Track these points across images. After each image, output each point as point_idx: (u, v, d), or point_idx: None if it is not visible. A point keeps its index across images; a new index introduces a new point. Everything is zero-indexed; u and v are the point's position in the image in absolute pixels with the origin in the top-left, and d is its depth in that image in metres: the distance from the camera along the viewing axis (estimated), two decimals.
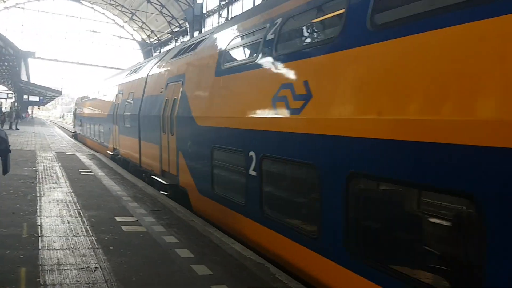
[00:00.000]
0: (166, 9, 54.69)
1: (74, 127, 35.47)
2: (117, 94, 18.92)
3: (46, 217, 7.78)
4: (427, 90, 4.07)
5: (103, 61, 71.09)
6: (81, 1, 69.46)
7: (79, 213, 8.27)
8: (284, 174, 6.72)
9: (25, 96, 60.59)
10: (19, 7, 66.48)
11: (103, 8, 70.04)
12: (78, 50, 70.72)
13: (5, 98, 58.16)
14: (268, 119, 6.46)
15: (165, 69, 12.86)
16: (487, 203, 3.38)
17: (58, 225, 7.30)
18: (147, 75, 14.72)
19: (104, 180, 12.71)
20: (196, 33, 45.57)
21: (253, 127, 6.91)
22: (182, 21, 52.29)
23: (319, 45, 5.85)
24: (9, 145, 6.72)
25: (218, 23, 40.14)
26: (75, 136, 33.27)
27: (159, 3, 54.27)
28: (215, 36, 10.11)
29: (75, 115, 35.02)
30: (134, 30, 71.77)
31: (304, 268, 5.77)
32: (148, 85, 14.09)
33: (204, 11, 46.91)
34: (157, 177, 12.12)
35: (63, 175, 12.95)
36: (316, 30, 6.52)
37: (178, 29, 55.16)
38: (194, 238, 7.20)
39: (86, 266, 5.48)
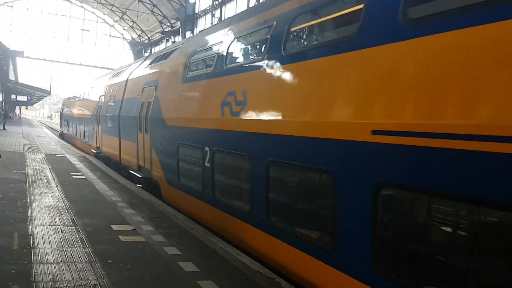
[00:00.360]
0: (158, 8, 54.10)
1: (61, 127, 36.60)
2: (100, 96, 19.82)
3: (38, 225, 7.30)
4: (304, 100, 5.93)
5: (93, 60, 70.32)
6: (70, 0, 68.60)
7: (73, 221, 7.80)
8: (228, 164, 8.30)
9: (13, 96, 59.37)
10: (7, 6, 65.42)
11: (93, 7, 69.23)
12: (67, 50, 69.85)
13: None
14: (218, 120, 7.94)
15: (142, 74, 14.05)
16: (337, 176, 5.03)
17: (52, 235, 6.82)
18: (127, 79, 15.79)
19: (97, 184, 12.21)
20: (188, 33, 45.06)
21: (208, 127, 8.48)
22: (174, 21, 51.72)
23: (253, 63, 7.31)
24: None
25: (211, 23, 39.70)
26: (61, 135, 33.62)
27: (150, 3, 53.68)
28: (183, 47, 11.63)
29: (61, 116, 36.15)
30: (124, 29, 71.05)
31: (242, 238, 7.32)
32: (128, 88, 15.25)
33: (196, 11, 46.43)
34: (134, 171, 13.37)
35: (54, 179, 12.43)
36: (251, 51, 8.17)
37: (170, 28, 54.60)
38: (197, 249, 6.77)
39: (84, 282, 5.03)
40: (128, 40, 71.50)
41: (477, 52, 3.72)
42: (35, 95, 63.72)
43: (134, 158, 13.42)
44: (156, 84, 11.85)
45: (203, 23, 45.00)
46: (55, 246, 6.27)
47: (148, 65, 14.03)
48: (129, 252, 6.34)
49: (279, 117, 6.27)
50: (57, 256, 5.86)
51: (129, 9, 57.16)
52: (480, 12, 3.73)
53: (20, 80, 50.67)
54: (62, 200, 9.57)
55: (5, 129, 34.47)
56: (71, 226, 7.47)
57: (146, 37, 64.37)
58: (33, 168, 14.18)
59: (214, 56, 8.72)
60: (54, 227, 7.30)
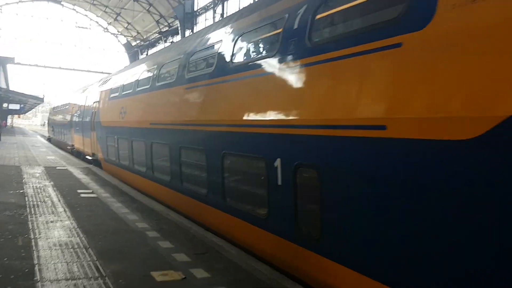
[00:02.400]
0: (154, 7, 51.75)
1: (48, 132, 44.30)
2: (72, 107, 26.26)
3: (51, 281, 5.11)
4: (137, 112, 12.73)
5: (87, 65, 67.87)
6: (62, 3, 66.11)
7: (97, 269, 5.61)
8: (122, 144, 14.13)
9: (5, 105, 56.92)
10: None
11: (86, 10, 66.68)
12: (60, 55, 67.33)
13: None
14: (118, 121, 14.32)
15: (94, 92, 20.01)
16: (147, 142, 11.23)
17: None
18: (86, 95, 21.84)
19: (112, 205, 10.04)
20: (188, 32, 42.83)
21: (116, 125, 14.72)
22: (172, 20, 49.40)
23: (128, 93, 13.65)
24: None
25: (214, 19, 37.48)
26: (49, 140, 39.61)
27: (146, 2, 51.30)
28: (111, 77, 18.43)
29: (48, 123, 44.21)
30: (119, 31, 68.57)
31: (128, 181, 13.72)
32: (87, 101, 21.21)
33: (195, 8, 44.15)
34: (89, 156, 20.14)
35: (59, 200, 10.25)
36: (129, 87, 13.73)
37: (168, 28, 52.27)
38: None
39: None
40: (123, 43, 69.05)
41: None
42: (27, 103, 61.23)
43: (90, 149, 19.99)
44: (99, 100, 18.05)
45: (203, 20, 42.72)
46: None
47: (98, 86, 20.06)
48: None
49: (134, 119, 12.56)
50: None
51: (124, 9, 54.71)
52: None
53: (12, 88, 48.24)
54: (76, 233, 7.38)
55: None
56: (97, 278, 5.28)
57: (142, 39, 61.96)
58: (33, 187, 11.96)
59: (120, 86, 14.99)
60: (73, 282, 5.11)
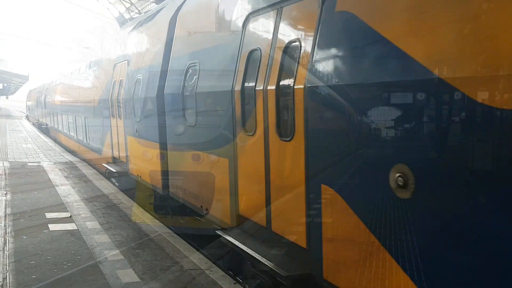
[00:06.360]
0: None
1: (26, 111, 51.39)
2: (38, 91, 32.10)
3: None
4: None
5: (79, 42, 62.00)
6: None
7: None
8: (55, 114, 21.32)
9: None
10: None
11: None
12: (49, 31, 61.42)
13: None
14: (52, 101, 22.62)
15: (48, 80, 28.41)
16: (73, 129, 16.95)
17: None
18: (44, 82, 29.62)
19: (104, 259, 5.13)
20: None
21: (52, 104, 22.77)
22: None
23: (56, 84, 22.39)
24: None
25: None
26: (27, 117, 45.96)
27: None
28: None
29: (27, 105, 50.38)
30: (110, 3, 62.63)
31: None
32: (44, 86, 27.72)
33: None
34: (36, 122, 32.09)
35: (5, 243, 5.33)
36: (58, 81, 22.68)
37: None
38: None
39: None
40: (116, 16, 63.23)
41: None
42: (12, 81, 55.91)
43: (41, 119, 28.84)
44: (47, 87, 25.52)
45: None
46: None
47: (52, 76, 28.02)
48: None
49: (57, 99, 20.84)
50: None
51: None
52: None
53: None
54: None
55: None
56: None
57: (137, 11, 56.17)
58: None
59: (54, 79, 24.07)
60: None
